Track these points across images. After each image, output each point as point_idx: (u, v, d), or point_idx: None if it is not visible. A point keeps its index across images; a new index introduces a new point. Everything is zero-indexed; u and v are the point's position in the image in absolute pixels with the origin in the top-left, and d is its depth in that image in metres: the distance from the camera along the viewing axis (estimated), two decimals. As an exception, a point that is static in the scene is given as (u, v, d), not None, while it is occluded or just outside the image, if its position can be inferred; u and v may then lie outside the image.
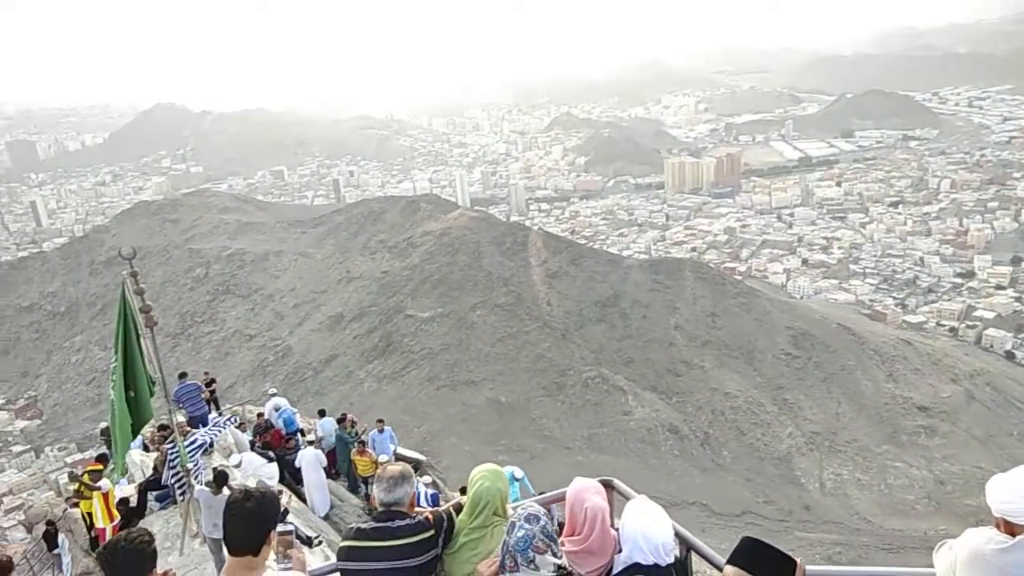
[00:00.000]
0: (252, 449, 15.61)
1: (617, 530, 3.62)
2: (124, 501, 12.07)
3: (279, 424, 17.72)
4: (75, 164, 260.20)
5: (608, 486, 4.24)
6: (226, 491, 9.36)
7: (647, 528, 3.38)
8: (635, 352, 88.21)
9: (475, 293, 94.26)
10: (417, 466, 18.67)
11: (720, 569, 3.33)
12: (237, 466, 13.73)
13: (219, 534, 9.26)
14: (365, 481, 16.15)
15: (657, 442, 75.86)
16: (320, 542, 11.32)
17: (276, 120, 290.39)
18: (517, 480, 13.73)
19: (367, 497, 16.28)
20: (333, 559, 10.85)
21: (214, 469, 10.06)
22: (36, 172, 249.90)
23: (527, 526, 3.20)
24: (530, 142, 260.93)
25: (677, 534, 3.68)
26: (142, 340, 8.95)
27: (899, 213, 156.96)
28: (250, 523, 3.17)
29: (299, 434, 17.72)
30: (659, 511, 3.49)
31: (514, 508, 3.41)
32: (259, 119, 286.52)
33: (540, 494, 14.59)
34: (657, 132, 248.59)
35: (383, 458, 15.16)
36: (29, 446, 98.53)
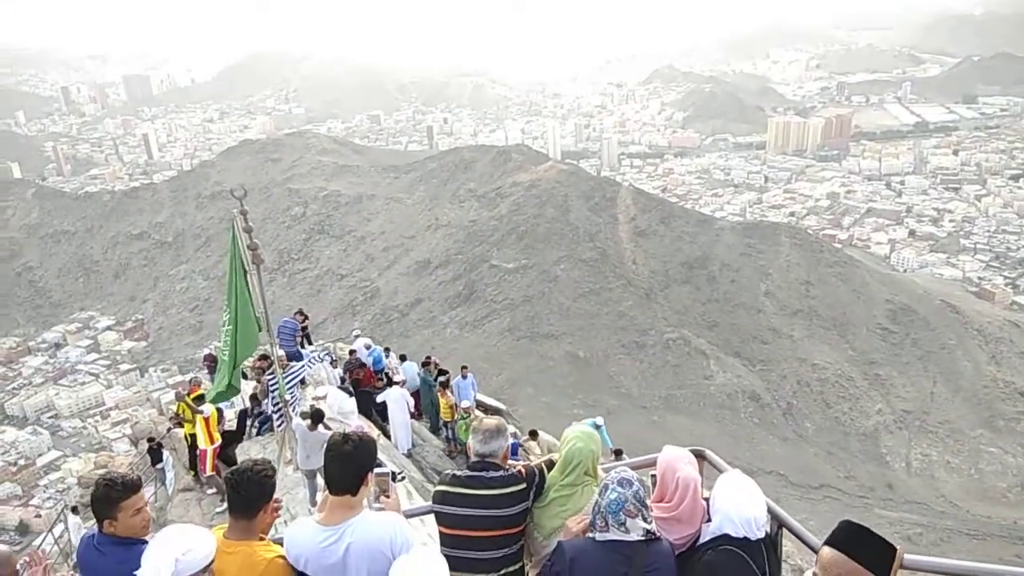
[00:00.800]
0: (342, 384, 16.33)
1: (707, 500, 3.63)
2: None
3: (368, 362, 18.42)
4: (186, 100, 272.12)
5: (700, 456, 4.23)
6: (321, 428, 9.85)
7: (740, 501, 3.37)
8: (720, 316, 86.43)
9: (560, 247, 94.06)
10: (496, 414, 19.06)
11: (813, 549, 3.29)
12: (322, 398, 14.43)
13: (311, 465, 9.81)
14: (446, 424, 16.67)
15: (737, 408, 74.73)
16: (403, 478, 11.80)
17: (376, 65, 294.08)
18: (598, 427, 13.82)
19: (447, 439, 16.80)
20: (415, 495, 11.26)
21: (311, 406, 10.55)
22: (149, 106, 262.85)
23: (620, 489, 3.26)
24: (627, 95, 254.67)
25: (769, 510, 3.66)
26: (249, 276, 9.34)
27: (1019, 187, 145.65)
28: (348, 465, 3.35)
29: (385, 374, 18.38)
30: (753, 486, 3.47)
31: (607, 471, 3.46)
32: (360, 64, 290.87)
33: (615, 451, 14.73)
34: (763, 89, 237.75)
35: (464, 403, 15.52)
36: (135, 366, 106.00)
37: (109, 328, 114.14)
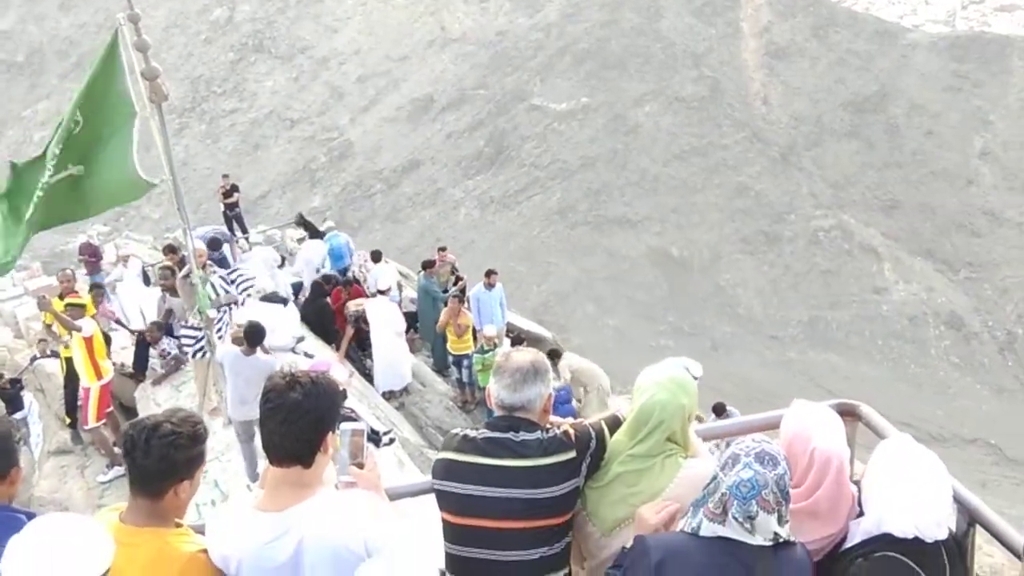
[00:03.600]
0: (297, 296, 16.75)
1: (857, 484, 3.72)
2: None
3: (322, 256, 18.79)
4: None
5: (850, 414, 4.28)
6: (260, 353, 10.14)
7: (911, 486, 3.42)
8: (904, 192, 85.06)
9: (645, 76, 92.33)
10: (534, 345, 19.35)
11: (1020, 556, 3.36)
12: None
13: (248, 413, 10.15)
14: (458, 360, 16.97)
15: (925, 340, 74.53)
16: (392, 440, 12.16)
17: None
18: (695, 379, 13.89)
19: (459, 383, 17.22)
20: (409, 463, 11.68)
21: (249, 321, 10.77)
22: None
23: (758, 468, 3.24)
24: None
25: (957, 498, 3.72)
26: (145, 120, 9.30)
27: None
28: (297, 422, 3.36)
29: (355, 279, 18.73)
30: (932, 460, 3.53)
31: (738, 441, 3.45)
32: None
33: (715, 407, 14.85)
34: None
35: (488, 329, 15.79)
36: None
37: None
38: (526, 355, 4.02)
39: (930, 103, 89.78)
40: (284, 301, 15.89)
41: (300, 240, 20.36)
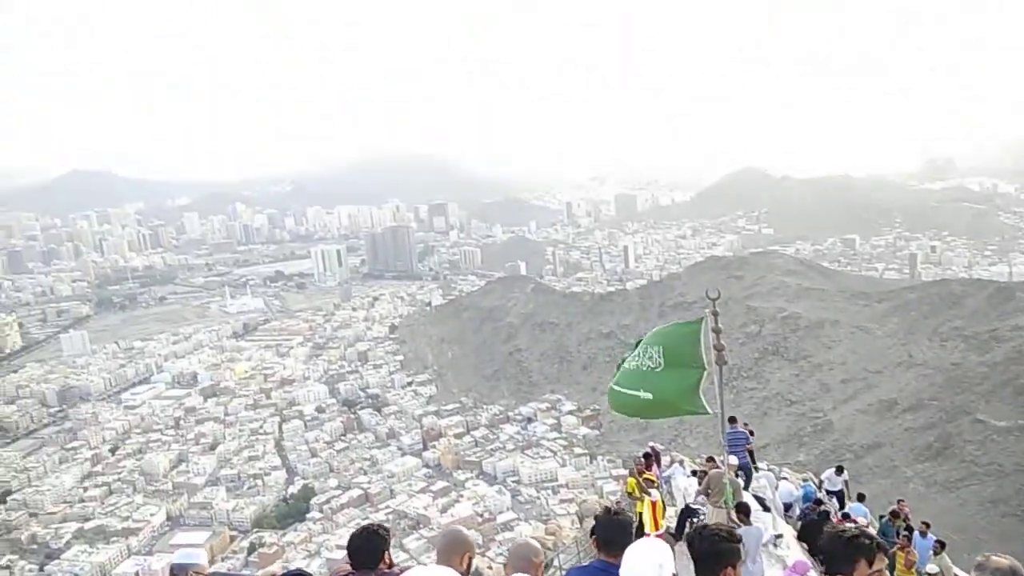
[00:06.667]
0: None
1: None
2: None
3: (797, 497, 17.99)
4: (664, 217, 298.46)
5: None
6: (755, 523, 10.12)
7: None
8: None
9: (1079, 412, 75.29)
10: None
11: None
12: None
13: (751, 571, 10.07)
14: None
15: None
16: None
17: (855, 186, 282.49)
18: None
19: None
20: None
21: (738, 502, 10.87)
22: (633, 221, 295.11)
23: None
24: None
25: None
26: (706, 374, 10.31)
27: None
28: (705, 562, 3.73)
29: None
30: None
31: None
32: (837, 184, 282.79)
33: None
34: None
35: (931, 568, 13.89)
36: (586, 451, 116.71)
37: (571, 412, 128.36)
38: (1004, 560, 3.75)
39: None
40: (764, 505, 15.33)
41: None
